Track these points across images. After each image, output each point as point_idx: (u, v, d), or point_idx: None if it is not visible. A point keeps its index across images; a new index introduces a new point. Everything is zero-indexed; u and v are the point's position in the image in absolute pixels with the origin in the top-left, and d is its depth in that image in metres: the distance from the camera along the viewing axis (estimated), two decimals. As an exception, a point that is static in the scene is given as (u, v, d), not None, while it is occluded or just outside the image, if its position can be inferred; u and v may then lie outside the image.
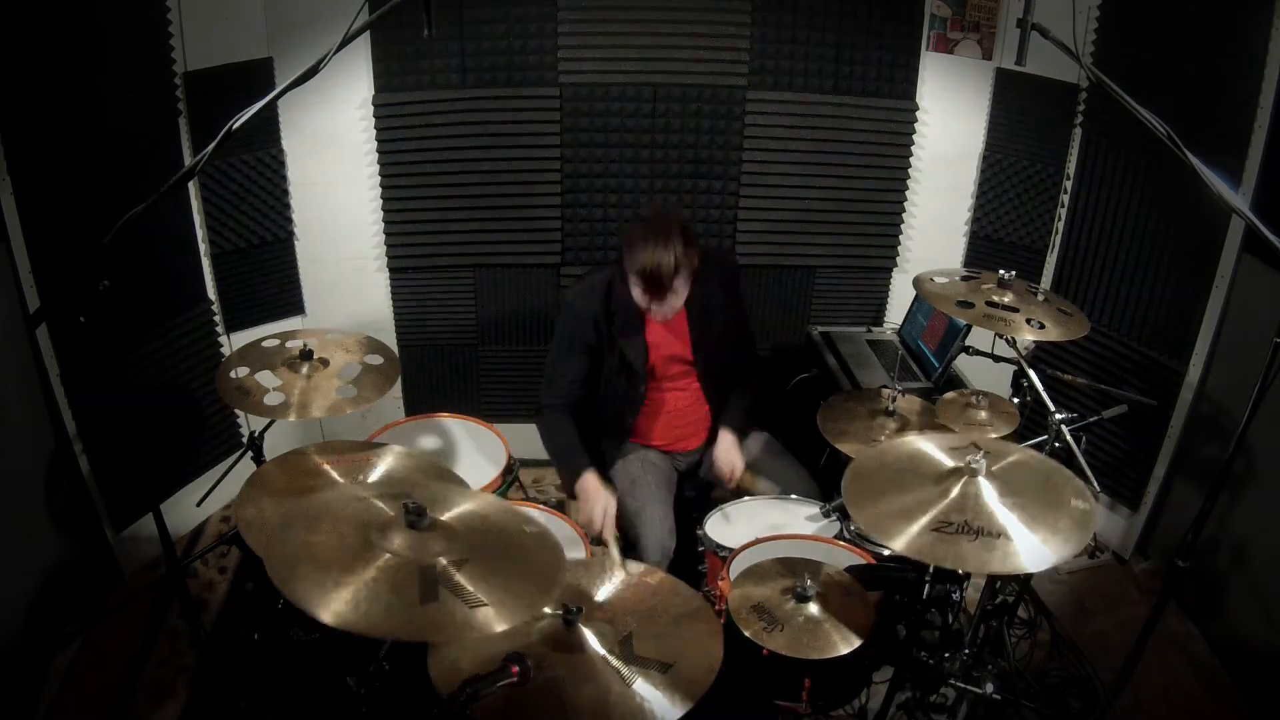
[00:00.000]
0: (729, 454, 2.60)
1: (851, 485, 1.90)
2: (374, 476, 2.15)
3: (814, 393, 3.27)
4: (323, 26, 2.89)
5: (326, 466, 2.20)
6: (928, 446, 1.95)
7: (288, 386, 2.35)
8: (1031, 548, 1.70)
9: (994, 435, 2.37)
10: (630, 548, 2.52)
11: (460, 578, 1.46)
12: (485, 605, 1.41)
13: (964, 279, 2.46)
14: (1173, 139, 1.73)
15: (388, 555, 1.46)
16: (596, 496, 2.44)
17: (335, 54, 1.76)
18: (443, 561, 1.48)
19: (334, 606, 1.35)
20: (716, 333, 2.65)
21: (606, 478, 2.61)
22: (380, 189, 3.35)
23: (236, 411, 3.30)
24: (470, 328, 3.61)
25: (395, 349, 3.10)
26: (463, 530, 1.58)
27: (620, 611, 1.76)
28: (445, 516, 1.61)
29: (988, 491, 1.79)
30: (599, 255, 3.49)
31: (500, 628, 1.40)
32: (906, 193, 3.54)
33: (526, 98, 3.27)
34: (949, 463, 1.88)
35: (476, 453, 2.72)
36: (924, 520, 1.74)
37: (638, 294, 2.45)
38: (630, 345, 2.56)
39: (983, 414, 2.45)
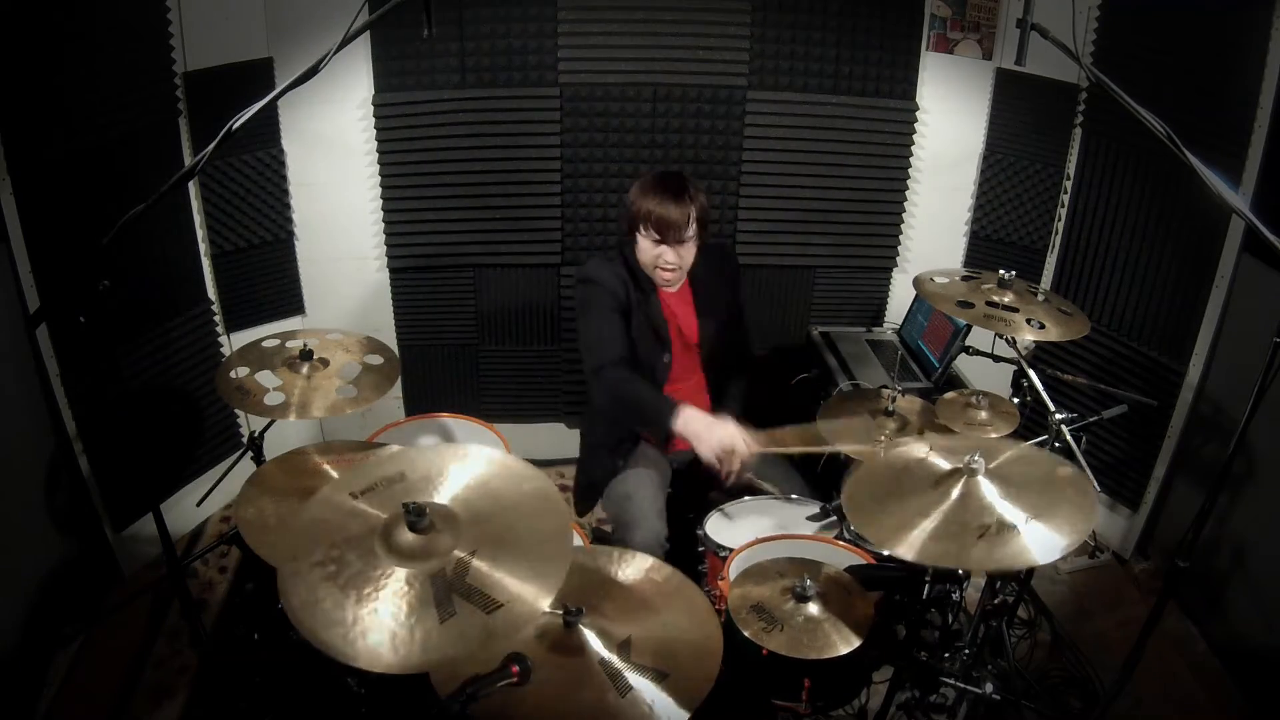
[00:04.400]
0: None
1: (852, 504, 1.89)
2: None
3: (814, 393, 3.28)
4: (323, 26, 2.90)
5: (326, 466, 2.20)
6: (916, 454, 1.95)
7: (288, 386, 2.34)
8: (1048, 530, 1.70)
9: (993, 435, 2.37)
10: (622, 530, 2.52)
11: (473, 576, 1.43)
12: (501, 606, 1.40)
13: (964, 279, 2.46)
14: (1173, 139, 1.73)
15: (398, 571, 1.43)
16: (720, 423, 2.30)
17: (335, 54, 1.77)
18: (455, 556, 1.45)
19: (368, 649, 1.33)
20: (719, 318, 2.67)
21: (613, 466, 2.64)
22: (380, 189, 3.35)
23: (236, 411, 3.30)
24: (470, 328, 3.61)
25: (395, 349, 3.10)
26: (464, 513, 1.55)
27: (622, 611, 1.75)
28: (442, 499, 1.57)
29: (988, 489, 1.79)
30: (599, 255, 3.48)
31: (519, 629, 1.38)
32: (906, 193, 3.54)
33: (526, 98, 3.27)
34: (946, 465, 1.88)
35: (476, 453, 2.72)
36: (932, 524, 1.73)
37: (647, 249, 2.47)
38: (650, 311, 2.57)
39: (983, 414, 2.45)
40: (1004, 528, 1.70)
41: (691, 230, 2.45)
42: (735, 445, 2.28)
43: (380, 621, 1.36)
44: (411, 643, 1.34)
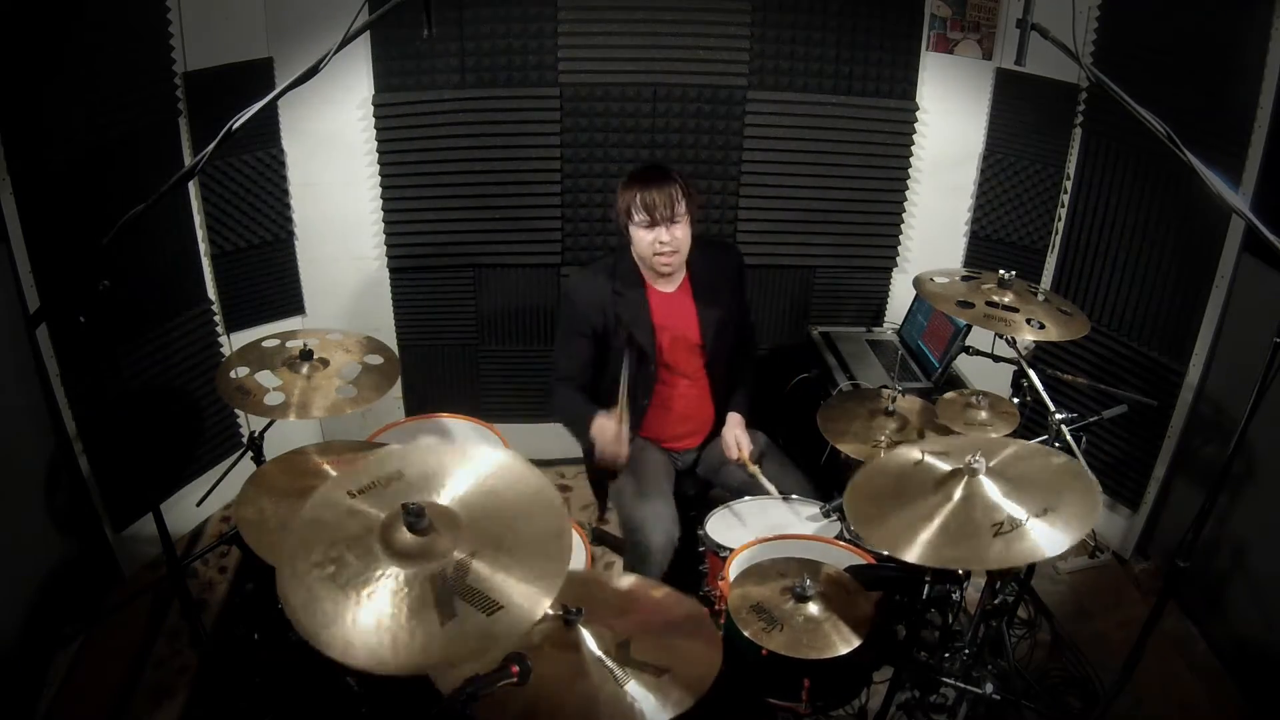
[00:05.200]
0: (734, 431, 2.66)
1: (854, 507, 1.90)
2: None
3: (814, 393, 3.28)
4: (323, 26, 2.89)
5: (326, 466, 2.20)
6: (915, 456, 1.95)
7: (288, 386, 2.34)
8: (1056, 524, 1.70)
9: (992, 435, 2.37)
10: (634, 533, 2.51)
11: (472, 578, 1.42)
12: (501, 608, 1.39)
13: (964, 279, 2.46)
14: (1173, 139, 1.73)
15: (398, 572, 1.42)
16: (605, 429, 2.49)
17: (335, 54, 1.77)
18: (455, 557, 1.44)
19: (364, 646, 1.32)
20: (721, 316, 2.68)
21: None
22: (380, 189, 3.35)
23: (236, 411, 3.30)
24: (470, 328, 3.61)
25: (395, 349, 3.11)
26: (464, 514, 1.53)
27: (621, 617, 1.75)
28: (442, 500, 1.56)
29: (990, 488, 1.79)
30: (599, 255, 3.48)
31: (519, 630, 1.38)
32: (906, 193, 3.54)
33: (526, 98, 3.27)
34: (945, 466, 1.88)
35: (476, 453, 2.72)
36: (935, 526, 1.74)
37: (641, 237, 2.50)
38: (637, 325, 2.58)
39: (983, 414, 2.45)
40: (1014, 524, 1.71)
41: (681, 208, 2.48)
42: (614, 454, 2.49)
43: (380, 623, 1.35)
44: (411, 644, 1.33)
